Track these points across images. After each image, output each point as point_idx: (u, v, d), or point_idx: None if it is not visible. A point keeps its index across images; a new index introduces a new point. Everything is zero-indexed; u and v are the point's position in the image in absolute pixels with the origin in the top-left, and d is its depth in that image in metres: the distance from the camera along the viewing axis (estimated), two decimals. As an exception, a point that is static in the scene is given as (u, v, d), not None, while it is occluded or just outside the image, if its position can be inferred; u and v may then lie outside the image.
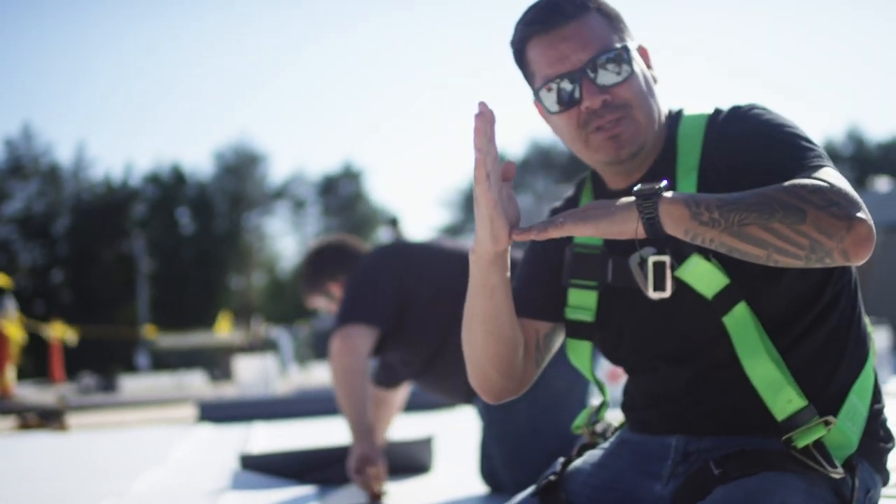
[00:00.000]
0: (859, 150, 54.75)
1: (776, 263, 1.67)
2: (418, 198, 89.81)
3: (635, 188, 1.69)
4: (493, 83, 72.99)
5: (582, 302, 2.01)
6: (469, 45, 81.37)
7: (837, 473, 1.77)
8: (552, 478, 2.03)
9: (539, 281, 2.06)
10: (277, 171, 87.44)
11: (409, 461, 4.50)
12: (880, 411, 1.97)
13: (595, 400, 2.28)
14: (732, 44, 76.77)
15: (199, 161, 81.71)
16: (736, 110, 1.93)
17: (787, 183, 1.68)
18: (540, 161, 60.47)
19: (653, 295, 1.86)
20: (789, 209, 1.63)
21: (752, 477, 1.77)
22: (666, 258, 1.84)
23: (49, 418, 9.32)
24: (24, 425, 9.30)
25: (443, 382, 4.00)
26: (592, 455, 2.08)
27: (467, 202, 61.74)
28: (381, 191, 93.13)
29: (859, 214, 1.64)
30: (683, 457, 1.91)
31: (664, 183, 1.69)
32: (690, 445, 1.92)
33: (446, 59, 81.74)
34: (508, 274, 1.87)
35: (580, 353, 2.06)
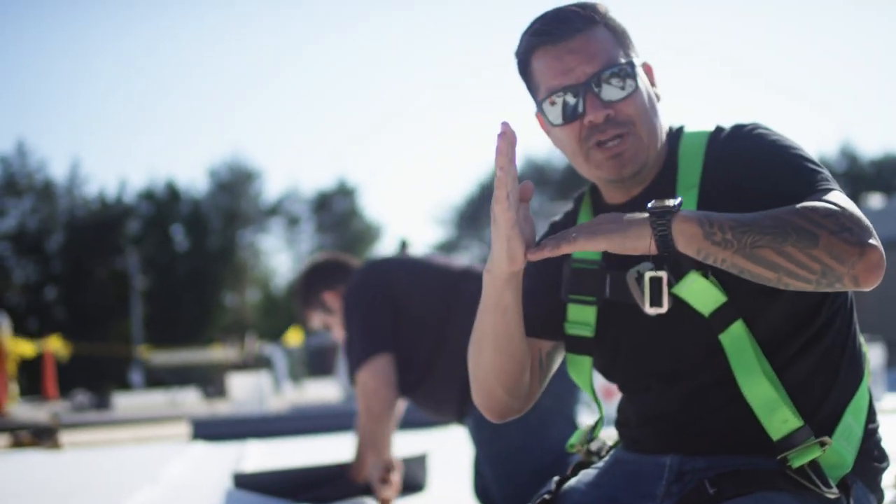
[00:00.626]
0: (852, 167, 54.86)
1: (786, 287, 1.66)
2: (412, 214, 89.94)
3: (649, 205, 1.68)
4: (488, 101, 73.19)
5: (581, 317, 2.01)
6: (464, 63, 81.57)
7: (832, 493, 1.76)
8: (546, 496, 2.02)
9: (539, 298, 2.05)
10: (271, 187, 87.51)
11: (404, 478, 4.49)
12: (875, 431, 1.96)
13: (587, 417, 2.27)
14: (726, 61, 77.05)
15: (193, 178, 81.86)
16: (739, 129, 1.92)
17: (799, 206, 1.67)
18: (534, 178, 60.46)
19: (649, 310, 1.85)
20: (802, 233, 1.63)
21: (747, 497, 1.76)
22: (663, 274, 1.83)
23: (42, 436, 9.29)
24: (17, 443, 9.27)
25: (434, 400, 4.01)
26: (587, 474, 2.07)
27: (461, 219, 61.82)
28: (376, 207, 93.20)
29: (871, 241, 1.63)
30: (678, 476, 1.90)
31: (679, 200, 1.69)
32: (685, 465, 1.91)
33: (441, 78, 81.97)
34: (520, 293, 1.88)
35: (580, 369, 2.05)
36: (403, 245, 4.31)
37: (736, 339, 1.83)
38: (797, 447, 1.78)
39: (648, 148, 1.91)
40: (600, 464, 2.08)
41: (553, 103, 1.91)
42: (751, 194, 1.80)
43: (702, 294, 1.83)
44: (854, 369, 1.94)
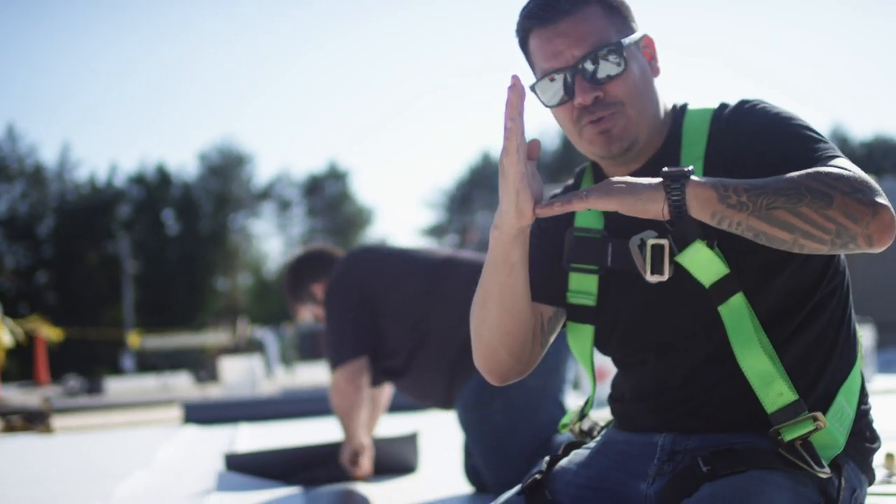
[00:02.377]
0: (843, 149, 54.26)
1: (801, 249, 1.69)
2: (403, 198, 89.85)
3: (663, 169, 1.70)
4: (478, 86, 73.08)
5: (583, 287, 2.00)
6: (454, 47, 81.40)
7: (825, 473, 1.77)
8: (538, 476, 2.02)
9: (541, 265, 2.04)
10: (262, 171, 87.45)
11: (395, 457, 4.51)
12: (867, 412, 1.97)
13: (576, 398, 2.25)
14: (716, 42, 77.01)
15: (184, 162, 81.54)
16: (743, 104, 1.94)
17: (811, 169, 1.70)
18: (525, 161, 60.20)
19: (650, 278, 1.85)
20: (816, 194, 1.65)
21: (740, 475, 1.76)
22: (665, 241, 1.84)
23: (34, 420, 9.29)
24: (9, 428, 9.27)
25: (420, 387, 4.05)
26: (578, 454, 2.07)
27: (451, 203, 61.75)
28: (367, 191, 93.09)
29: (882, 201, 1.67)
30: (670, 456, 1.90)
31: (692, 167, 1.71)
32: (678, 444, 1.91)
33: (432, 62, 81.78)
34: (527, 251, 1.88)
35: (581, 338, 2.04)
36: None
37: (735, 310, 1.83)
38: (790, 421, 1.79)
39: (639, 125, 1.91)
40: (592, 444, 2.08)
41: (545, 84, 1.92)
42: (757, 165, 1.81)
43: (705, 264, 1.83)
44: (848, 352, 1.95)
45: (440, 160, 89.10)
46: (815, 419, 1.79)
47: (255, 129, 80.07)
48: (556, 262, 2.05)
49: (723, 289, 1.84)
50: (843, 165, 1.73)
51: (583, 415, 2.16)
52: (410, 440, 4.62)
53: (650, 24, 1.99)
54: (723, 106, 1.97)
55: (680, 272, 1.86)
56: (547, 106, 1.95)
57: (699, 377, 1.91)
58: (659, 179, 1.70)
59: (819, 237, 1.66)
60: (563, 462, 2.07)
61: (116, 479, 4.78)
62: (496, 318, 1.92)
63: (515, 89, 1.70)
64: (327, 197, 60.22)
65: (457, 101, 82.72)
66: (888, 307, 14.32)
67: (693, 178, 1.69)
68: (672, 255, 1.84)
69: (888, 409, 5.19)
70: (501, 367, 1.99)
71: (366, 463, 4.15)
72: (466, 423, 3.86)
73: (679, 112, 2.00)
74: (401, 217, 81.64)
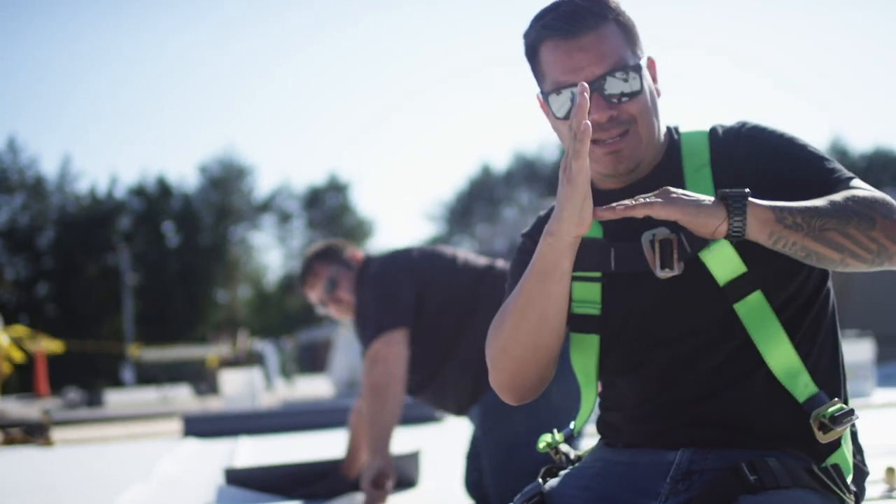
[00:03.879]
0: (843, 161, 54.53)
1: (845, 267, 1.74)
2: (403, 211, 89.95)
3: (721, 190, 1.71)
4: (479, 97, 73.20)
5: (587, 296, 1.96)
6: (455, 59, 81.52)
7: (850, 499, 1.78)
8: (538, 499, 1.92)
9: None
10: (263, 183, 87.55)
11: (397, 474, 4.50)
12: (856, 432, 1.96)
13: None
14: (715, 54, 77.11)
15: (184, 174, 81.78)
16: (745, 123, 1.96)
17: (847, 193, 1.76)
18: (525, 174, 60.57)
19: (660, 273, 1.83)
20: (861, 217, 1.72)
21: (783, 491, 1.73)
22: (674, 236, 1.84)
23: (34, 433, 9.29)
24: (9, 440, 9.27)
25: (441, 394, 4.01)
26: (571, 477, 1.98)
27: (451, 215, 61.82)
28: (367, 203, 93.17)
29: None
30: (685, 475, 1.84)
31: (748, 189, 1.71)
32: (695, 464, 1.84)
33: (432, 74, 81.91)
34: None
35: (585, 349, 1.99)
36: None
37: (754, 307, 1.84)
38: (822, 407, 1.80)
39: (647, 146, 1.92)
40: (586, 467, 2.00)
41: (559, 97, 1.90)
42: (769, 178, 1.84)
43: (725, 261, 1.84)
44: (842, 364, 1.95)
45: (440, 173, 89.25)
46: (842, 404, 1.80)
47: (255, 142, 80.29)
48: None
49: (739, 287, 1.84)
50: (866, 187, 1.80)
51: (572, 435, 2.10)
52: (413, 458, 4.61)
53: (649, 35, 2.00)
54: (717, 126, 1.98)
55: (692, 270, 1.84)
56: (557, 118, 1.93)
57: (710, 377, 1.86)
58: (712, 198, 1.71)
59: (863, 257, 1.72)
60: (555, 486, 1.97)
61: (116, 492, 4.78)
62: (534, 330, 1.86)
63: (585, 94, 1.67)
64: (327, 209, 60.30)
65: (457, 113, 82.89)
66: (888, 320, 14.33)
67: (751, 198, 1.70)
68: (682, 250, 1.84)
69: (889, 423, 5.18)
70: (525, 384, 1.93)
71: (390, 489, 3.80)
72: (484, 428, 3.84)
73: (675, 131, 2.01)
74: (401, 229, 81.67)
